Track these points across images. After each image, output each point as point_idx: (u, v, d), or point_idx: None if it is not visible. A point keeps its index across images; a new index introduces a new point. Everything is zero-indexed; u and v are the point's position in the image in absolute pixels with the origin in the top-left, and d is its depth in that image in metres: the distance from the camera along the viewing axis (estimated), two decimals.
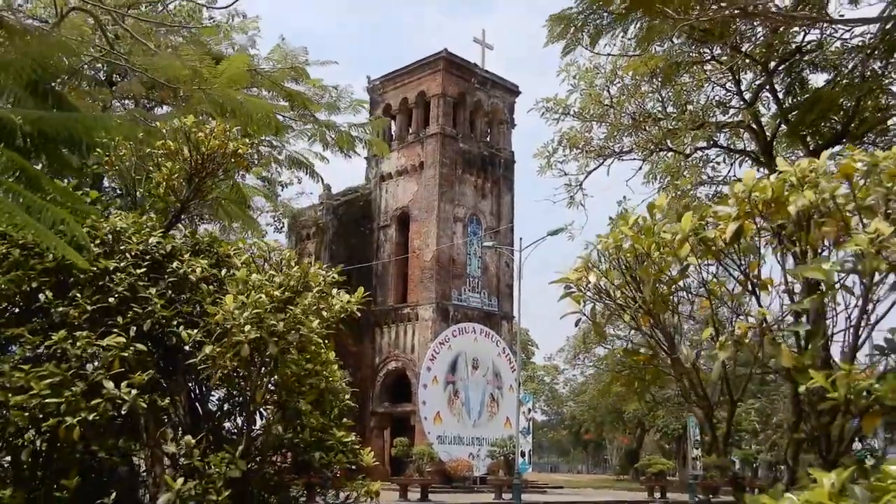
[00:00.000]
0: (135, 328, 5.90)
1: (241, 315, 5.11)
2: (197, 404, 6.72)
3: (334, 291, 5.63)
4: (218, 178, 6.77)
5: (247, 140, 7.00)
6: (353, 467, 6.18)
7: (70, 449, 5.79)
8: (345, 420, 6.59)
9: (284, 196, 35.24)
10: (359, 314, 5.91)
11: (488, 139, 49.65)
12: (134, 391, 5.54)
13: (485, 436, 44.13)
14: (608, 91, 21.24)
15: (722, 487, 48.83)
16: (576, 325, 4.43)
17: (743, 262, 3.46)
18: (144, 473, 6.30)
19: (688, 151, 18.85)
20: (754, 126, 19.30)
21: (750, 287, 3.49)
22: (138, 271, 6.16)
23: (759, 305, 3.44)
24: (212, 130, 6.59)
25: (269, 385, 5.59)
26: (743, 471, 66.53)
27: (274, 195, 34.39)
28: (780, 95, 18.09)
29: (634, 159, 22.24)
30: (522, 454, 39.37)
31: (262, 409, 6.40)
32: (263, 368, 5.37)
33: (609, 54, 18.00)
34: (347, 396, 6.51)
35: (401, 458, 40.98)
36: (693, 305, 3.97)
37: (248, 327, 5.10)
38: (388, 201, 48.56)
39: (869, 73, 16.49)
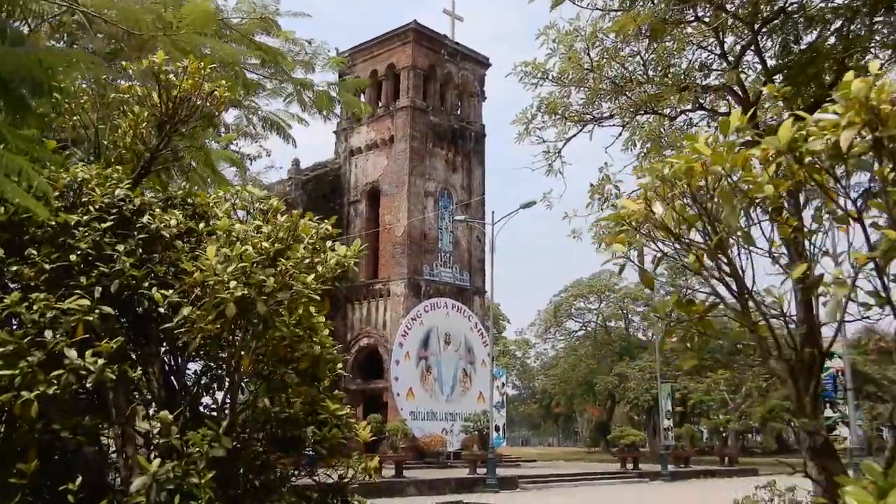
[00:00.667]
0: (100, 289, 5.09)
1: (224, 270, 4.36)
2: (172, 377, 5.96)
3: (327, 245, 4.87)
4: (192, 125, 5.96)
5: (223, 82, 6.21)
6: (327, 446, 5.46)
7: (28, 428, 5.02)
8: (336, 392, 5.89)
9: (253, 170, 34.17)
10: (357, 267, 5.19)
11: (459, 112, 48.84)
12: (100, 361, 4.77)
13: (458, 411, 43.72)
14: (588, 55, 20.52)
15: (692, 457, 49.13)
16: (619, 273, 3.77)
17: (847, 185, 2.81)
18: (114, 454, 5.52)
19: (672, 115, 18.27)
20: (738, 90, 18.71)
21: (856, 213, 2.86)
22: (103, 226, 5.36)
23: (865, 236, 2.80)
24: (184, 69, 5.80)
25: (255, 353, 4.83)
26: (711, 440, 67.09)
27: (242, 166, 33.36)
28: (767, 56, 17.54)
29: (614, 125, 21.50)
30: (496, 428, 39.08)
31: (243, 383, 5.69)
32: (250, 332, 4.63)
33: (594, 8, 17.31)
34: (340, 366, 5.80)
35: (374, 434, 40.40)
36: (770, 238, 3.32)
37: (233, 283, 4.34)
38: (358, 176, 47.66)
39: (852, 34, 16.01)
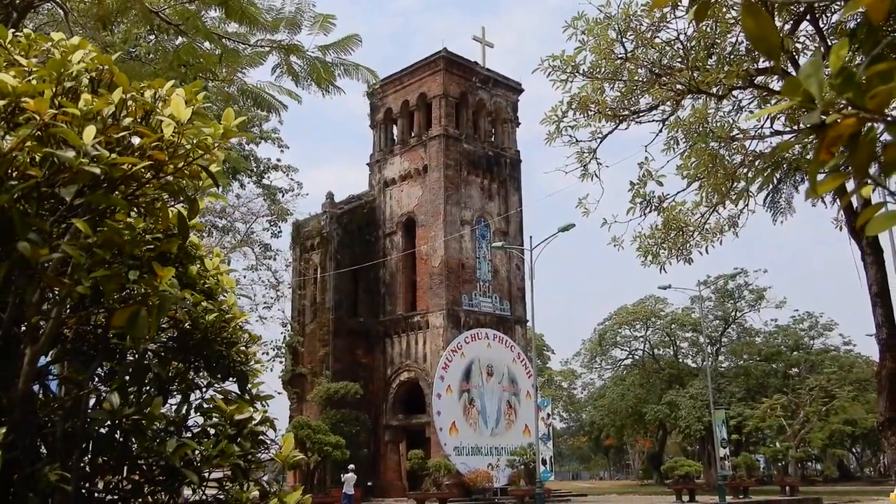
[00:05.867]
0: None
1: None
2: None
3: (180, 110, 2.39)
4: None
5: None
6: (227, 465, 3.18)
7: None
8: (256, 392, 3.71)
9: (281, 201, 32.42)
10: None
11: (493, 139, 46.88)
12: None
13: (503, 445, 41.12)
14: (622, 44, 18.30)
15: (751, 487, 45.61)
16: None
17: None
18: None
19: (721, 93, 15.94)
20: (792, 71, 16.30)
21: None
22: None
23: None
24: None
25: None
26: (769, 469, 63.11)
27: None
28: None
29: (653, 120, 19.25)
30: (543, 462, 36.60)
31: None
32: None
33: None
34: (255, 350, 3.64)
35: (417, 471, 38.10)
36: None
37: None
38: (393, 207, 45.78)
39: None
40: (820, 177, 1.93)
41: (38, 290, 2.38)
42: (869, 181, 1.92)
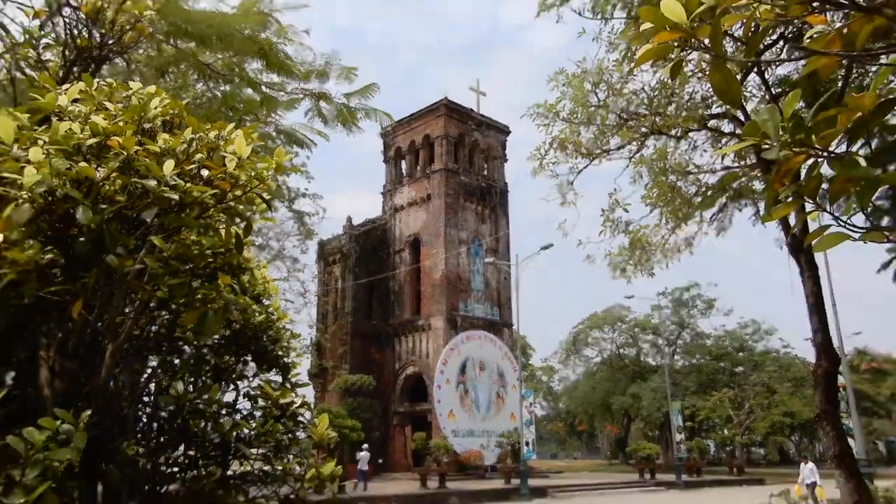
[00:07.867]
0: None
1: (16, 149, 2.06)
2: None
3: (240, 146, 2.41)
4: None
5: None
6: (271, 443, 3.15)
7: None
8: (295, 380, 3.70)
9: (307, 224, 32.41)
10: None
11: (485, 173, 47.00)
12: None
13: (493, 429, 40.95)
14: (595, 94, 18.41)
15: (703, 468, 45.35)
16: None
17: None
18: None
19: (678, 134, 16.00)
20: (740, 116, 16.39)
21: None
22: None
23: None
24: None
25: (105, 294, 2.43)
26: (718, 452, 62.74)
27: (301, 223, 31.69)
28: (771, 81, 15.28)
29: (622, 157, 19.31)
30: (527, 444, 36.49)
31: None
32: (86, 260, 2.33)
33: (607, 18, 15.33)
34: (289, 334, 3.63)
35: (420, 451, 37.87)
36: None
37: (29, 172, 2.04)
38: (402, 229, 45.86)
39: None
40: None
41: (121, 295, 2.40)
42: (814, 206, 1.96)
